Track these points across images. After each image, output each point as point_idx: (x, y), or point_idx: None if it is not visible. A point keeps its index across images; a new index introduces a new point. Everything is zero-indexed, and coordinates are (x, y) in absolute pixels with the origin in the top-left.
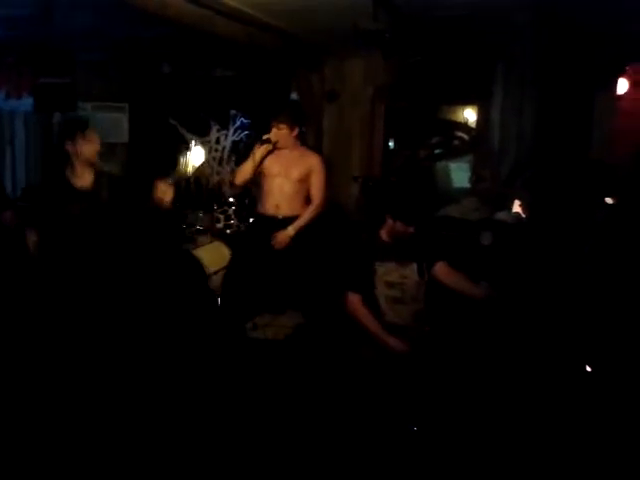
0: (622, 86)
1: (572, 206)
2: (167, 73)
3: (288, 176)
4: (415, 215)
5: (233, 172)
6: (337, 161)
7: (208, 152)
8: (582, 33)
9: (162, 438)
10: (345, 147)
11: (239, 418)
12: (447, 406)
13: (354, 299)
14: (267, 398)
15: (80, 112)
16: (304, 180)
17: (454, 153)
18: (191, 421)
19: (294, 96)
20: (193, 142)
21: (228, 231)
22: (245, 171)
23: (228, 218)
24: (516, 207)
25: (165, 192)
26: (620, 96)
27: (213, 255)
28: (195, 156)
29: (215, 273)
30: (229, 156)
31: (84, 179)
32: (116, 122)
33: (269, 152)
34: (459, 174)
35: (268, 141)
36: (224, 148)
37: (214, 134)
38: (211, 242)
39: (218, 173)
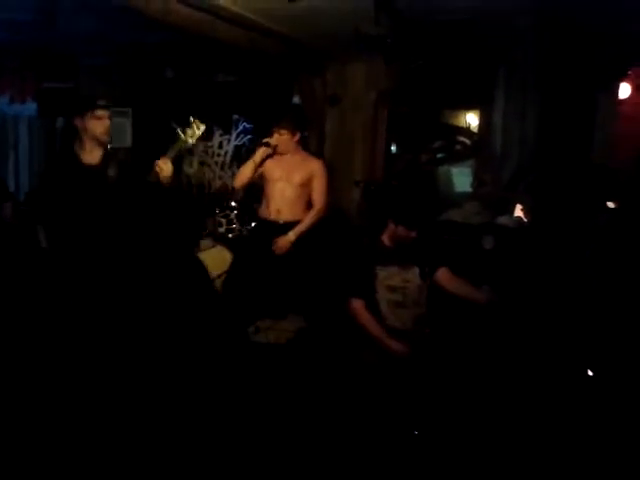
0: (624, 90)
1: (574, 210)
2: (170, 78)
3: (290, 181)
4: (417, 219)
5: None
6: (339, 165)
7: (211, 157)
8: (584, 37)
9: (164, 440)
10: (347, 151)
11: (241, 422)
12: (448, 409)
13: (357, 304)
14: (269, 402)
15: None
16: (306, 185)
17: (456, 157)
18: (192, 424)
19: (296, 100)
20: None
21: (230, 235)
22: (244, 174)
23: (230, 222)
24: (518, 211)
25: (162, 167)
26: (622, 100)
27: (215, 259)
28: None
29: (218, 277)
30: (231, 161)
31: (93, 156)
32: (119, 127)
33: (269, 156)
34: (461, 178)
35: (268, 145)
36: (226, 153)
37: (217, 139)
38: (213, 246)
39: (220, 177)
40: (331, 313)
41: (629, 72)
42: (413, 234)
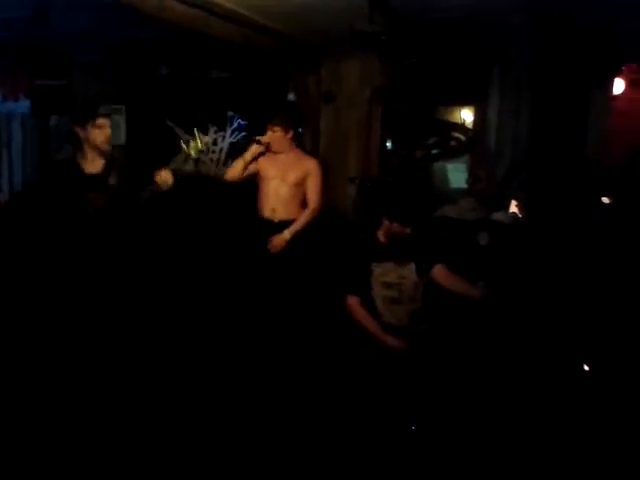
0: (618, 86)
1: (568, 206)
2: (164, 75)
3: (284, 179)
4: (412, 216)
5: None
6: (334, 162)
7: (205, 154)
8: (578, 33)
9: (162, 433)
10: (342, 148)
11: (239, 418)
12: (445, 405)
13: (353, 301)
14: (266, 398)
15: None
16: (300, 184)
17: (451, 154)
18: (189, 419)
19: (291, 97)
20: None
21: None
22: (234, 170)
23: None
24: (513, 207)
25: (165, 179)
26: (616, 96)
27: None
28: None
29: None
30: (226, 157)
31: (94, 165)
32: (113, 124)
33: (262, 153)
34: (456, 175)
35: (260, 142)
36: (221, 150)
37: (211, 135)
38: None
39: (215, 174)
40: (326, 311)
41: (623, 68)
42: (408, 230)
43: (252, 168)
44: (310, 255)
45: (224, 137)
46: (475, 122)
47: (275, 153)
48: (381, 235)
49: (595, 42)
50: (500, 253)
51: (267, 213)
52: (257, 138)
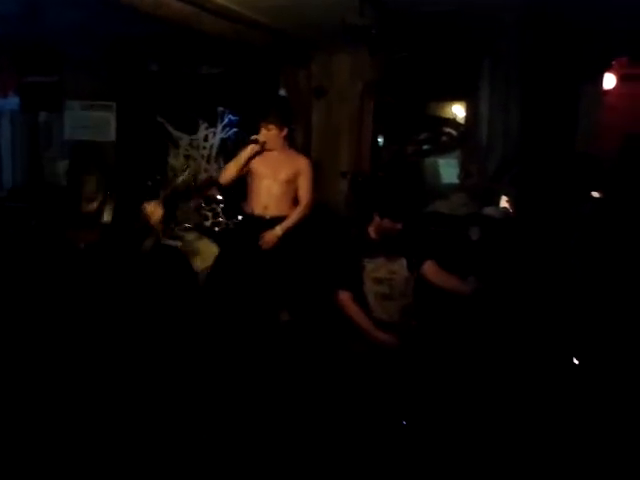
0: (609, 81)
1: (559, 200)
2: (155, 71)
3: (276, 178)
4: (402, 212)
5: (221, 170)
6: (326, 157)
7: (196, 150)
8: (568, 28)
9: (153, 433)
10: (333, 143)
11: (233, 415)
12: (436, 400)
13: (344, 297)
14: (258, 395)
15: (68, 111)
16: (292, 181)
17: (442, 149)
18: (184, 418)
19: (282, 92)
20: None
21: (216, 229)
22: (230, 171)
23: (216, 216)
24: (504, 202)
25: (153, 212)
26: (607, 91)
27: (203, 252)
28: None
29: (204, 270)
30: (217, 154)
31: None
32: (104, 121)
33: (257, 153)
34: (447, 170)
35: (256, 142)
36: (212, 146)
37: (202, 132)
38: (199, 239)
39: (206, 171)
40: (318, 307)
41: (613, 63)
42: (399, 226)
43: (245, 168)
44: (302, 251)
45: (215, 133)
46: (466, 117)
47: (267, 151)
48: (372, 231)
49: (586, 36)
50: (491, 248)
51: (259, 210)
52: (254, 138)
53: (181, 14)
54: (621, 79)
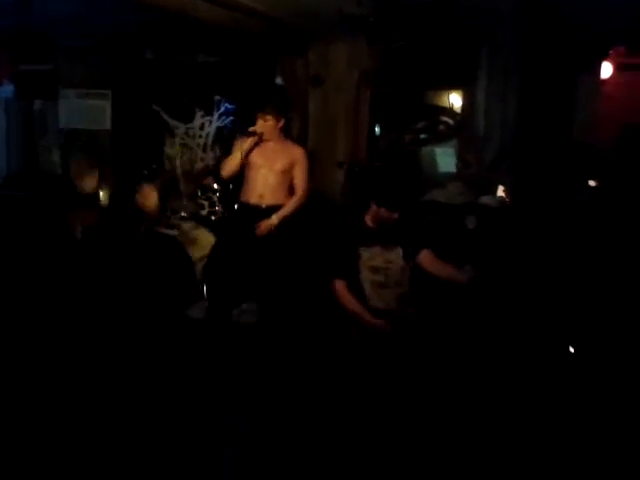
0: (606, 70)
1: (556, 189)
2: (150, 59)
3: (271, 168)
4: (399, 201)
5: (217, 158)
6: (322, 147)
7: (192, 138)
8: (565, 17)
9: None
10: (330, 133)
11: (227, 402)
12: (433, 388)
13: (339, 285)
14: (256, 382)
15: (63, 99)
16: (287, 171)
17: (439, 138)
18: (178, 408)
19: (279, 81)
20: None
21: (212, 218)
22: (231, 164)
23: (212, 205)
24: (500, 191)
25: (148, 196)
26: (604, 80)
27: (199, 241)
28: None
29: (201, 259)
30: (213, 142)
31: (87, 184)
32: (99, 109)
33: (255, 144)
34: (444, 159)
35: (254, 133)
36: (208, 134)
37: (198, 120)
38: (196, 228)
39: (202, 159)
40: (313, 295)
41: (610, 52)
42: (395, 215)
43: (244, 159)
44: (298, 240)
45: (211, 121)
46: (463, 106)
47: (264, 142)
48: (369, 219)
49: (582, 25)
50: (488, 236)
51: (255, 199)
52: (252, 129)
53: (177, 1)
54: (618, 68)
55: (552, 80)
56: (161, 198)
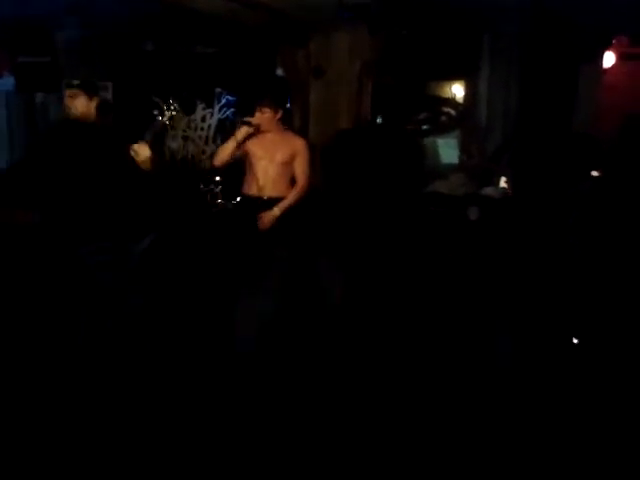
0: (608, 59)
1: (557, 179)
2: (150, 51)
3: (272, 159)
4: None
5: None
6: (324, 138)
7: (194, 131)
8: (568, 7)
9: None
10: (332, 124)
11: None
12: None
13: None
14: (256, 374)
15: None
16: (289, 162)
17: (442, 129)
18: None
19: (280, 72)
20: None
21: (214, 210)
22: (224, 153)
23: (214, 197)
24: (502, 183)
25: (137, 152)
26: (607, 69)
27: None
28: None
29: None
30: (215, 134)
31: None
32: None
33: (251, 135)
34: (447, 150)
35: (250, 124)
36: (210, 126)
37: (199, 112)
38: None
39: (204, 152)
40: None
41: (613, 41)
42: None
43: (239, 149)
44: (299, 231)
45: (212, 114)
46: (466, 96)
47: (263, 133)
48: None
49: (585, 14)
50: (490, 227)
51: (255, 191)
52: (246, 120)
53: None
54: (621, 58)
55: (554, 70)
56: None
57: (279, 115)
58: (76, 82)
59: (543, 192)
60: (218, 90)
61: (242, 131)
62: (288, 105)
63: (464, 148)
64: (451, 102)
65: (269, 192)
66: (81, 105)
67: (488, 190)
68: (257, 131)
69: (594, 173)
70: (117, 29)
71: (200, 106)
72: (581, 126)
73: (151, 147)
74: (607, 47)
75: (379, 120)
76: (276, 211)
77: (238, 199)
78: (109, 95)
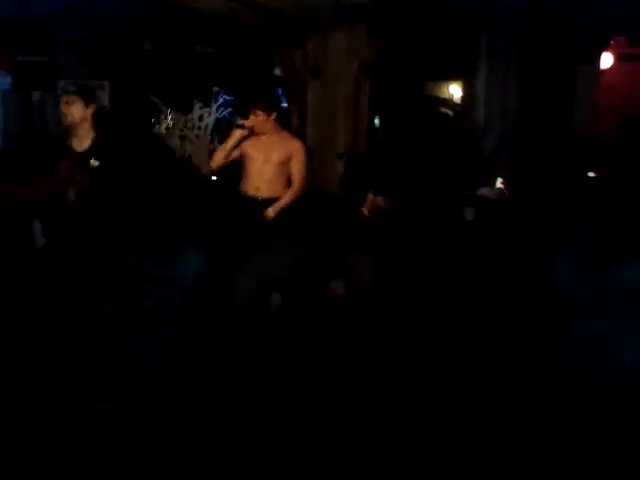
0: (606, 60)
1: (555, 179)
2: (148, 50)
3: (268, 160)
4: (395, 189)
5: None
6: (321, 138)
7: (191, 130)
8: (565, 7)
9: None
10: (330, 124)
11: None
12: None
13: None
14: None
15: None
16: (285, 163)
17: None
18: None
19: (277, 72)
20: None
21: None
22: (219, 156)
23: (211, 196)
24: (499, 183)
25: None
26: (604, 70)
27: None
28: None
29: None
30: (212, 134)
31: (82, 144)
32: (97, 100)
33: (245, 137)
34: None
35: (244, 127)
36: (207, 126)
37: (197, 112)
38: None
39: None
40: (313, 285)
41: (611, 42)
42: (390, 204)
43: (236, 152)
44: (295, 232)
45: (210, 113)
46: (463, 97)
47: (259, 135)
48: (365, 210)
49: (583, 15)
50: (486, 228)
51: (251, 191)
52: (240, 122)
53: None
54: (619, 59)
55: (552, 70)
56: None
57: (273, 117)
58: (73, 88)
59: (540, 193)
60: (216, 89)
61: (236, 134)
62: (285, 105)
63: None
64: (449, 102)
65: (265, 193)
66: (77, 112)
67: (484, 191)
68: (251, 133)
69: (591, 174)
70: (117, 29)
71: (197, 105)
72: (579, 126)
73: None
74: (605, 48)
75: (377, 120)
76: (271, 212)
77: (234, 199)
78: (106, 95)
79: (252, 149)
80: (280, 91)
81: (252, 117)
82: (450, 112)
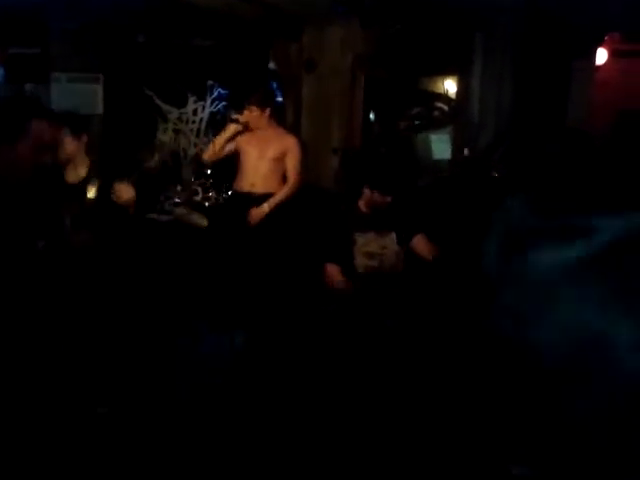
0: (601, 56)
1: (550, 175)
2: (143, 43)
3: (263, 156)
4: (392, 185)
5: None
6: (316, 132)
7: (185, 124)
8: (560, 3)
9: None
10: (324, 118)
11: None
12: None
13: (333, 270)
14: (251, 369)
15: (54, 83)
16: (280, 159)
17: (434, 124)
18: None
19: (272, 66)
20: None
21: (206, 204)
22: (212, 150)
23: (206, 190)
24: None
25: (122, 192)
26: (599, 66)
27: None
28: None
29: None
30: (207, 128)
31: (76, 174)
32: (91, 93)
33: (240, 132)
34: (439, 145)
35: (238, 121)
36: (201, 119)
37: (191, 105)
38: (190, 214)
39: (196, 145)
40: (307, 281)
41: (606, 38)
42: (388, 199)
43: (231, 146)
44: (290, 228)
45: (204, 107)
46: (458, 92)
47: (254, 130)
48: (362, 204)
49: (578, 10)
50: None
51: (246, 187)
52: (234, 117)
53: None
54: (613, 55)
55: (547, 66)
56: (152, 185)
57: (267, 113)
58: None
59: (535, 188)
60: (210, 83)
61: (230, 129)
62: (281, 99)
63: (457, 144)
64: (444, 97)
65: (260, 188)
66: (68, 145)
67: None
68: (246, 129)
69: (586, 170)
70: (111, 21)
71: (192, 99)
72: (574, 122)
73: (135, 187)
74: (599, 44)
75: (372, 115)
76: (265, 207)
77: (230, 193)
78: (100, 87)
79: (247, 145)
80: (275, 85)
81: (246, 112)
82: (445, 107)
